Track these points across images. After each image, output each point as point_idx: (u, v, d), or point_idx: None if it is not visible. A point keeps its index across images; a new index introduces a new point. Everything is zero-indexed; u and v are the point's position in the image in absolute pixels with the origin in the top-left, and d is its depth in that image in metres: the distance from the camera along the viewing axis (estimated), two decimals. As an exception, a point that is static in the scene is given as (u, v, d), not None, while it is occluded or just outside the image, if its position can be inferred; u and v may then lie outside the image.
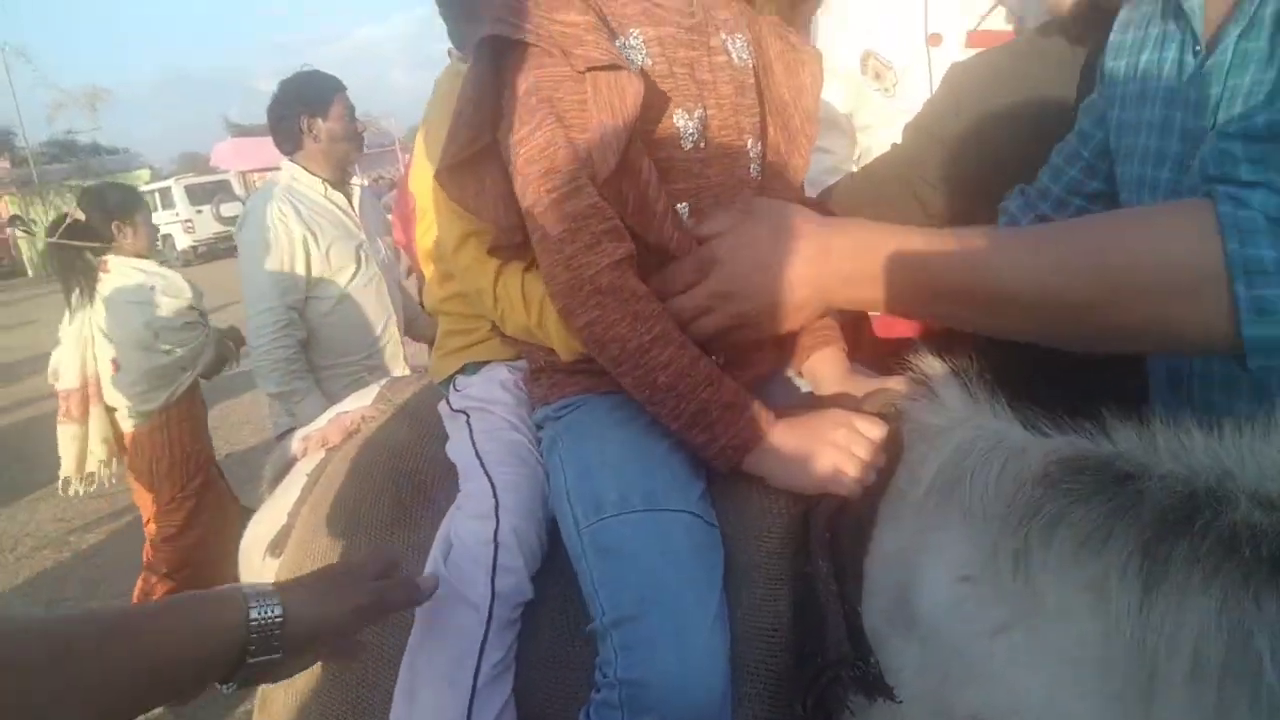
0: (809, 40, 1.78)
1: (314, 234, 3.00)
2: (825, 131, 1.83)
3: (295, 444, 1.67)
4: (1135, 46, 1.16)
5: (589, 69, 1.03)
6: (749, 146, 1.21)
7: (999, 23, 1.74)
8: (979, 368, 1.04)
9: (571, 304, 1.06)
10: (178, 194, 22.72)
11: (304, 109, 3.08)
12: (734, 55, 1.20)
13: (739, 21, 1.24)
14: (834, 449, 1.03)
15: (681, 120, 1.12)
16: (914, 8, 1.74)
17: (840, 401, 1.17)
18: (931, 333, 1.88)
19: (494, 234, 1.20)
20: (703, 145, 1.14)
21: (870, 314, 1.93)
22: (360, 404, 1.63)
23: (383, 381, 1.72)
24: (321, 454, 1.56)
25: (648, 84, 1.08)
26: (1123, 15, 1.21)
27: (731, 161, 1.18)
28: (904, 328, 1.90)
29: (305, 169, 3.11)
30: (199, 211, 22.63)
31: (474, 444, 1.28)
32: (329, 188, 3.13)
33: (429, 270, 1.53)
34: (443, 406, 1.40)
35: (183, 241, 22.43)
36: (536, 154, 1.06)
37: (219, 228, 22.03)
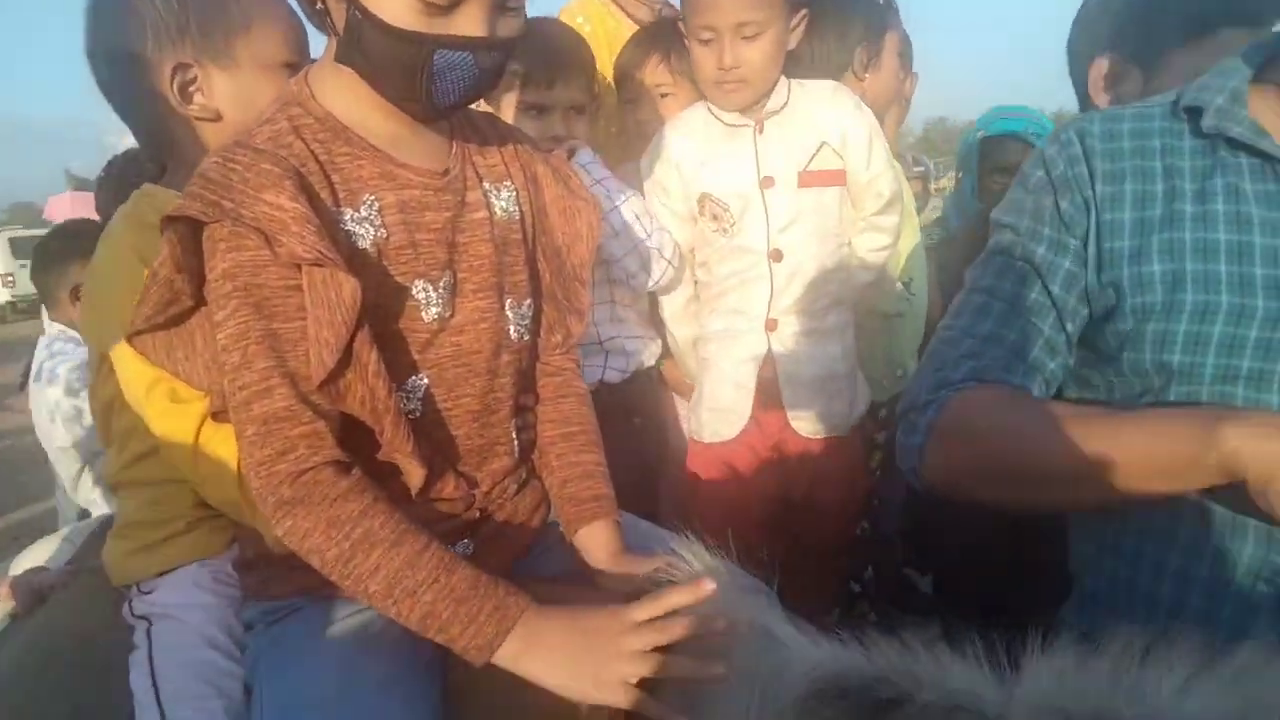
0: (612, 182, 1.73)
1: None
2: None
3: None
4: (1165, 196, 1.07)
5: (296, 264, 0.89)
6: (508, 307, 1.09)
7: (827, 161, 1.76)
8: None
9: (266, 510, 0.92)
10: (0, 246, 21.01)
11: None
12: (496, 209, 1.09)
13: (510, 167, 1.13)
14: (611, 654, 0.89)
15: (422, 292, 1.00)
16: (744, 155, 1.76)
17: (612, 582, 1.05)
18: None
19: (213, 400, 1.03)
20: (449, 314, 1.02)
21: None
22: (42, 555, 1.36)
23: (70, 528, 1.44)
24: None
25: (382, 259, 0.97)
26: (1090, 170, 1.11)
27: (488, 326, 1.06)
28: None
29: None
30: (23, 266, 20.98)
31: (151, 668, 1.06)
32: None
33: (105, 432, 1.28)
34: (126, 609, 1.16)
35: (1, 296, 20.68)
36: (230, 343, 0.91)
37: (44, 284, 20.53)
